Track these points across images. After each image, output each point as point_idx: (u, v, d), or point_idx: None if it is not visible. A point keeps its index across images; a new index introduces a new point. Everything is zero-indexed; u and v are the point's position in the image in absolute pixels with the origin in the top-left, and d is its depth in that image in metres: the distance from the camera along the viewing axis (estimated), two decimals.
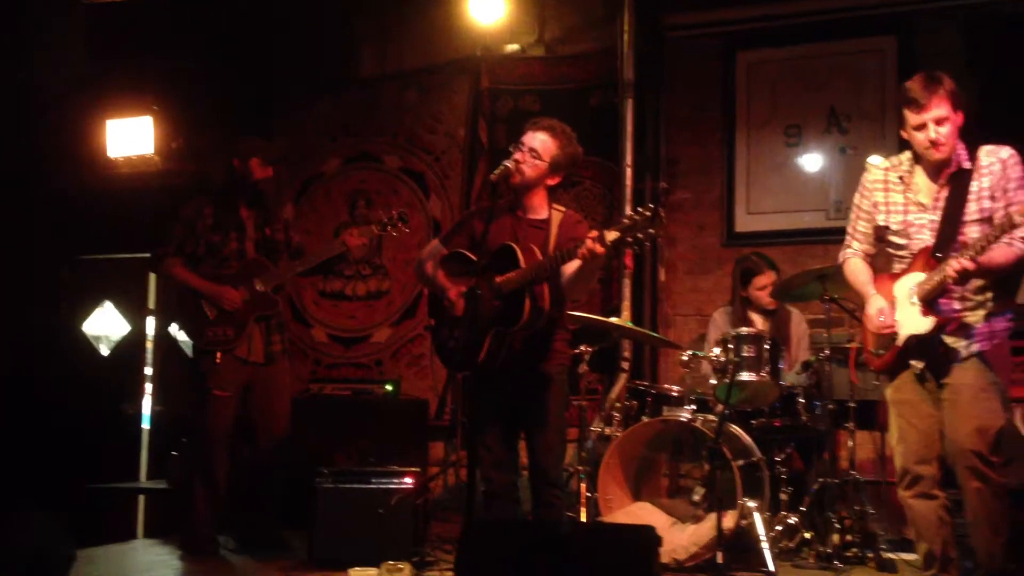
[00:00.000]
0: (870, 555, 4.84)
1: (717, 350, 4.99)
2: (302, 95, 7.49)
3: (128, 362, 7.77)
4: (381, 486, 4.82)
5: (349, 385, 6.40)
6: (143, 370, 7.73)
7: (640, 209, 3.52)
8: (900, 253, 3.85)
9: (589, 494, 5.10)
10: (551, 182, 4.01)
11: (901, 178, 3.84)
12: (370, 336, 7.17)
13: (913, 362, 3.76)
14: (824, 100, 6.49)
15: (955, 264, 3.46)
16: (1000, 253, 3.51)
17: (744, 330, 5.10)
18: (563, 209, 4.07)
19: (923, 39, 6.28)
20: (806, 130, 6.54)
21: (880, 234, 3.91)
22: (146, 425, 7.62)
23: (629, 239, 3.52)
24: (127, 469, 7.46)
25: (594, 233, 3.56)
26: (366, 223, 5.76)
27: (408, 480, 4.83)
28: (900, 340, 3.74)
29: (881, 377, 3.96)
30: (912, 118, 3.70)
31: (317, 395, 6.30)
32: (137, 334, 7.81)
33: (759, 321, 5.57)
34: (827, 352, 5.01)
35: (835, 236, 6.32)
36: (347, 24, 7.38)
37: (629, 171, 6.42)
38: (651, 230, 3.48)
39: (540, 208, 4.02)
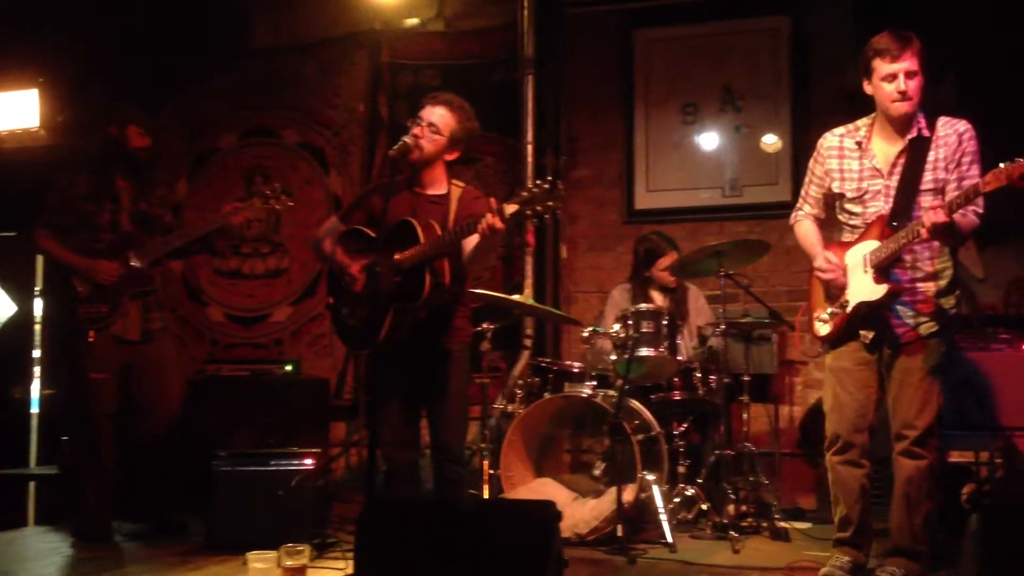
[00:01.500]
0: (764, 524, 4.98)
1: (617, 326, 5.04)
2: (196, 67, 7.26)
3: (16, 344, 7.48)
4: (281, 468, 4.75)
5: (247, 366, 6.29)
6: (31, 353, 7.46)
7: (539, 182, 3.53)
8: (853, 221, 3.85)
9: (492, 471, 5.12)
10: (450, 157, 3.99)
11: (859, 143, 3.83)
12: (269, 315, 7.06)
13: (862, 332, 3.80)
14: (719, 79, 6.59)
15: (932, 216, 3.43)
16: (962, 217, 3.55)
17: (643, 306, 5.16)
18: (462, 184, 4.06)
19: (815, 19, 6.42)
20: (702, 108, 6.63)
21: (832, 201, 3.93)
22: (35, 409, 7.37)
23: (528, 212, 3.52)
24: (17, 455, 7.21)
25: (493, 205, 3.55)
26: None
27: (308, 461, 4.76)
28: (850, 307, 3.76)
29: (824, 344, 3.96)
30: (883, 67, 3.66)
31: (214, 376, 6.17)
32: (25, 315, 7.53)
33: (658, 298, 5.64)
34: (723, 327, 5.10)
35: (731, 213, 6.53)
36: None
37: (530, 148, 6.43)
38: (550, 203, 3.48)
39: (439, 183, 4.00)
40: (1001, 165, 3.31)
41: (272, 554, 3.83)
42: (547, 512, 2.98)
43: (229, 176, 7.22)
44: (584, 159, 6.83)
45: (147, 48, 7.07)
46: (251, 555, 3.86)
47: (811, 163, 4.00)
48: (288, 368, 6.06)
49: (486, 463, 5.14)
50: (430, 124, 3.91)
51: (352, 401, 6.60)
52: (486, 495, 5.08)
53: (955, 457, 5.33)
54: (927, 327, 3.72)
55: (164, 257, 5.12)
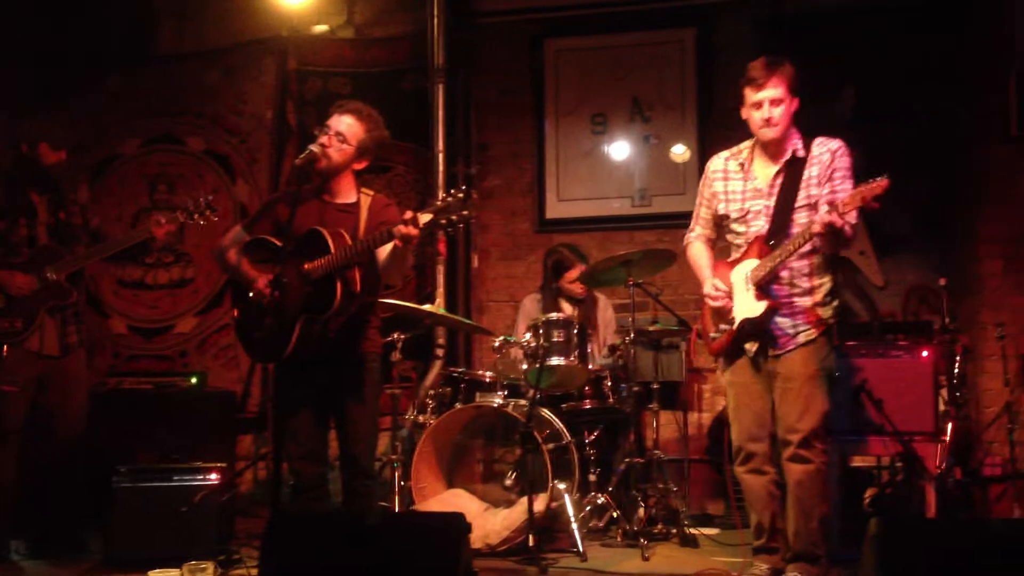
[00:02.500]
0: (674, 531, 5.02)
1: (528, 335, 5.05)
2: (98, 72, 7.07)
3: None
4: (184, 483, 4.65)
5: (151, 378, 6.14)
6: None
7: (453, 191, 3.53)
8: (738, 241, 4.02)
9: (402, 483, 5.08)
10: (358, 166, 3.94)
11: (742, 165, 3.99)
12: (173, 326, 6.90)
13: (747, 346, 3.94)
14: (628, 89, 6.67)
15: (825, 218, 3.58)
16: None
17: (554, 316, 5.18)
18: (372, 193, 4.02)
19: (720, 32, 6.55)
20: (612, 119, 6.70)
21: (721, 222, 4.08)
22: None
23: (443, 221, 3.51)
24: None
25: (408, 215, 3.53)
26: (169, 208, 5.52)
27: (213, 476, 4.67)
28: (735, 324, 3.91)
29: (719, 360, 4.12)
30: (751, 95, 3.85)
31: (116, 389, 6.01)
32: None
33: (567, 307, 5.67)
34: (632, 336, 5.14)
35: (640, 223, 6.59)
36: None
37: (441, 156, 6.41)
38: (464, 212, 3.49)
39: (348, 192, 3.95)
40: (859, 186, 3.54)
41: (175, 571, 3.78)
42: (456, 524, 2.96)
43: (131, 183, 7.03)
44: (495, 168, 6.84)
45: (48, 51, 6.85)
46: (153, 573, 3.79)
47: (700, 186, 4.18)
48: (193, 380, 5.92)
49: (397, 474, 5.11)
50: (337, 133, 3.85)
51: (260, 414, 6.49)
52: (397, 507, 5.04)
53: (857, 462, 5.46)
54: (806, 335, 3.86)
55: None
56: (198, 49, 7.04)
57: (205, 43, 7.04)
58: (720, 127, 6.46)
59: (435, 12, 6.42)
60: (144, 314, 6.92)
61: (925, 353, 4.92)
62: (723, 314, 3.98)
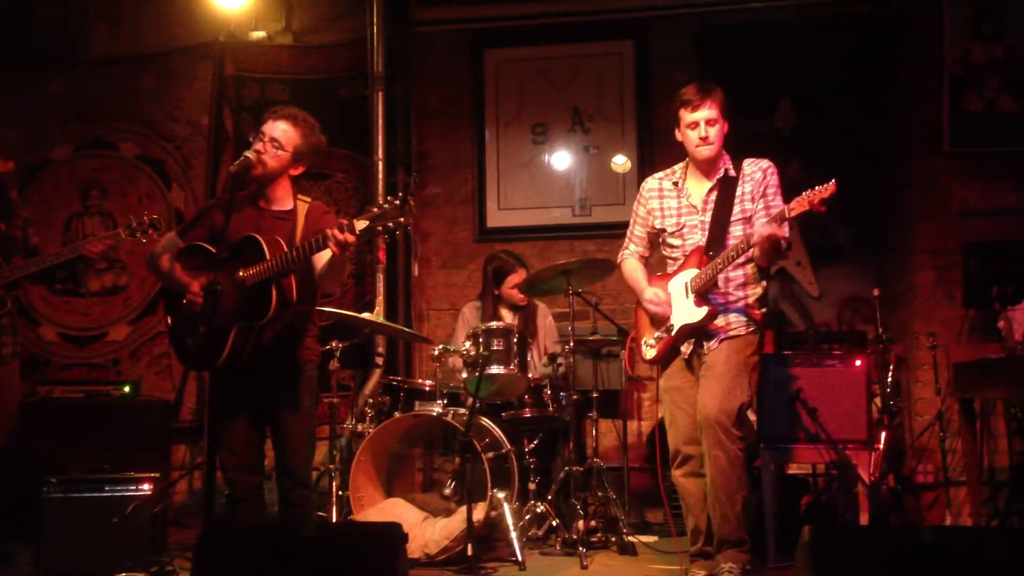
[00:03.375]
0: (613, 539, 5.04)
1: (468, 344, 5.03)
2: (29, 76, 6.91)
3: None
4: (116, 493, 4.60)
5: (82, 387, 6.02)
6: None
7: (390, 199, 3.51)
8: (674, 254, 4.19)
9: (341, 492, 5.03)
10: (295, 172, 3.90)
11: (676, 184, 4.18)
12: (106, 334, 6.76)
13: (682, 348, 4.09)
14: (568, 100, 6.71)
15: (765, 231, 3.74)
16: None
17: (493, 324, 5.18)
18: (309, 200, 3.98)
19: (658, 44, 6.61)
20: (552, 129, 6.73)
21: (656, 238, 4.25)
22: None
23: (379, 228, 3.49)
24: None
25: (343, 222, 3.50)
26: (101, 214, 5.40)
27: (146, 486, 4.62)
28: (675, 330, 4.06)
29: (654, 368, 4.26)
30: (686, 116, 4.03)
31: (46, 398, 5.91)
32: None
33: (508, 315, 5.67)
34: (572, 344, 5.15)
35: (581, 232, 6.62)
36: (78, 1, 6.92)
37: (381, 164, 6.38)
38: (401, 219, 3.47)
39: (284, 199, 3.91)
40: (806, 191, 3.67)
41: None
42: (393, 534, 2.93)
43: (63, 189, 6.88)
44: (436, 177, 6.82)
45: None
46: None
47: (635, 206, 4.33)
48: (126, 389, 5.81)
49: (335, 484, 5.06)
50: (272, 139, 3.81)
51: (196, 423, 6.39)
52: (334, 517, 4.99)
53: (793, 470, 5.53)
54: (735, 330, 4.03)
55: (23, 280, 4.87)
56: (133, 53, 6.92)
57: (140, 47, 6.93)
58: (659, 137, 6.53)
59: (374, 20, 6.39)
60: (76, 322, 6.78)
61: (859, 362, 4.99)
62: (660, 322, 4.11)
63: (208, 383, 5.86)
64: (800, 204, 3.67)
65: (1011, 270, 5.60)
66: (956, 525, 5.27)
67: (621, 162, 6.58)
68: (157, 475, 4.77)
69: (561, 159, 6.72)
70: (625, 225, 6.27)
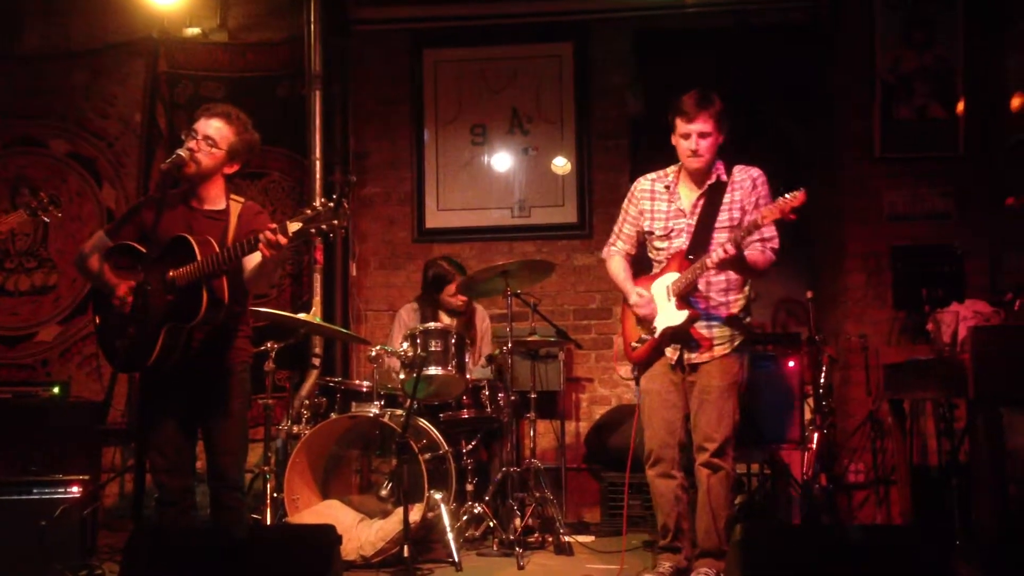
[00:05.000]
0: (550, 539, 5.05)
1: (405, 345, 5.01)
2: None
3: None
4: (44, 496, 4.50)
5: (10, 388, 5.88)
6: None
7: (324, 201, 3.48)
8: (660, 257, 4.26)
9: (276, 494, 4.97)
10: (229, 171, 3.84)
11: (667, 187, 4.24)
12: (35, 334, 6.61)
13: (668, 351, 4.16)
14: (507, 101, 6.71)
15: (720, 252, 3.86)
16: (753, 253, 3.98)
17: (431, 325, 5.17)
18: (242, 200, 3.92)
19: (597, 47, 6.64)
20: (491, 130, 6.73)
21: (644, 239, 4.31)
22: None
23: (313, 230, 3.45)
24: None
25: (274, 225, 3.46)
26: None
27: (74, 489, 4.53)
28: (657, 332, 4.12)
29: (635, 369, 4.34)
30: (681, 127, 4.10)
31: None
32: None
33: (445, 317, 5.66)
34: (510, 345, 5.15)
35: (520, 233, 6.63)
36: None
37: (318, 164, 6.32)
38: (335, 222, 3.44)
39: (217, 199, 3.85)
40: (777, 199, 3.77)
41: None
42: (326, 536, 2.91)
43: None
44: (374, 176, 6.78)
45: None
46: None
47: (625, 204, 4.39)
48: (55, 390, 5.69)
49: (270, 486, 5.00)
50: (206, 137, 3.75)
51: (127, 425, 6.28)
52: (269, 519, 4.93)
53: None
54: (720, 348, 4.12)
55: None
56: (64, 49, 6.77)
57: (72, 44, 6.77)
58: (597, 140, 6.57)
59: (311, 18, 6.32)
60: (4, 321, 6.61)
61: (792, 363, 5.08)
62: (647, 323, 4.17)
63: (138, 385, 5.77)
64: (772, 212, 3.75)
65: (940, 273, 5.72)
66: (886, 523, 5.37)
67: (561, 164, 6.61)
68: (87, 477, 4.67)
69: (500, 160, 6.72)
70: (565, 227, 6.34)
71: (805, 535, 3.25)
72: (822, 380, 5.53)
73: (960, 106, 5.97)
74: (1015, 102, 5.66)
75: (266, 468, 5.04)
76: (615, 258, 4.41)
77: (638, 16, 6.56)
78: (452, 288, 5.60)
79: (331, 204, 3.44)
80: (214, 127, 3.77)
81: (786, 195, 3.72)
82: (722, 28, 6.44)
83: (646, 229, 4.28)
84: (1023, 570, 3.84)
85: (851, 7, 6.18)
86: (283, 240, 3.44)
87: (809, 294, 5.72)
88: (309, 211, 3.47)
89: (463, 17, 6.72)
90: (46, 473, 4.66)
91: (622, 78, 6.57)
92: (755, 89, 6.40)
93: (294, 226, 3.45)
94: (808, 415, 5.39)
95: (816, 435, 5.33)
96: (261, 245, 3.45)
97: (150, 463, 3.73)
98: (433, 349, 5.00)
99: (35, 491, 4.51)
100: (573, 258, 6.59)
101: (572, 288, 6.54)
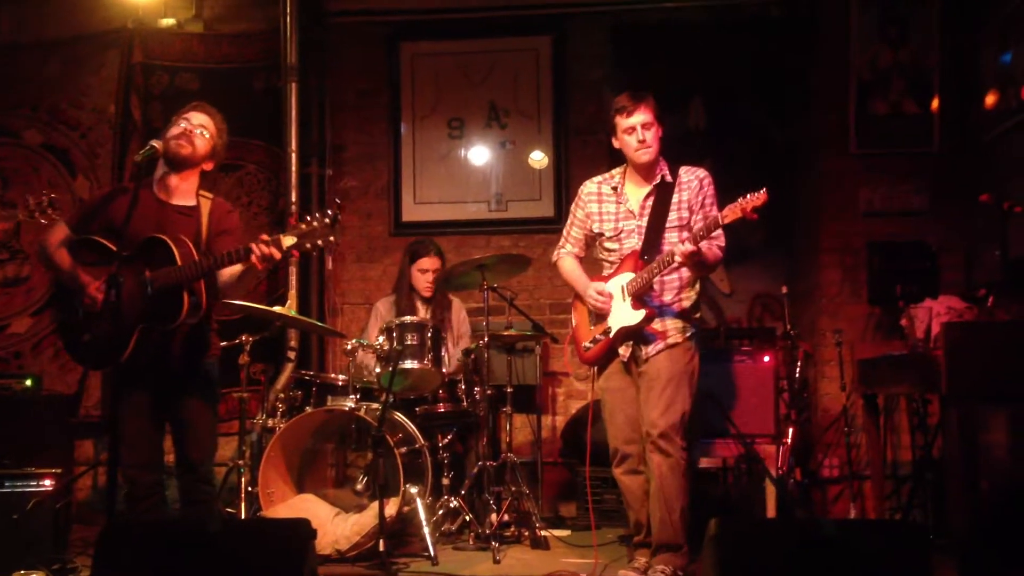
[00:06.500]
0: (526, 533, 5.05)
1: (381, 338, 5.00)
2: None
3: None
4: (16, 489, 4.48)
5: None
6: None
7: (319, 215, 3.46)
8: (611, 258, 4.28)
9: (250, 488, 4.95)
10: (207, 167, 3.86)
11: (615, 189, 4.27)
12: (7, 326, 6.55)
13: (621, 349, 4.17)
14: (484, 95, 6.70)
15: (684, 248, 3.86)
16: (708, 249, 4.02)
17: (408, 319, 5.16)
18: (211, 197, 3.91)
19: (575, 41, 6.64)
20: (468, 123, 6.71)
21: (593, 241, 4.33)
22: None
23: (308, 246, 3.46)
24: None
25: (265, 237, 3.44)
26: (3, 204, 5.21)
27: (47, 482, 4.51)
28: (612, 332, 4.14)
29: (592, 369, 4.33)
30: (622, 123, 4.14)
31: None
32: None
33: (421, 310, 5.64)
34: (486, 339, 5.15)
35: (497, 227, 6.63)
36: None
37: (294, 156, 6.29)
38: (331, 238, 3.44)
39: (188, 194, 3.83)
40: (739, 199, 3.78)
41: None
42: (300, 530, 2.89)
43: None
44: (350, 169, 6.76)
45: None
46: None
47: (573, 207, 4.42)
48: (27, 383, 5.65)
49: (244, 480, 4.98)
50: (200, 125, 3.79)
51: (101, 418, 6.23)
52: (243, 513, 4.91)
53: (705, 464, 5.59)
54: (673, 338, 4.14)
55: None
56: (38, 39, 6.69)
57: (46, 33, 6.70)
58: (575, 134, 6.57)
59: (287, 10, 6.28)
60: None
61: (767, 358, 5.10)
62: (600, 318, 4.19)
63: (110, 379, 5.73)
64: (733, 212, 3.77)
65: (914, 269, 5.75)
66: (860, 518, 5.40)
67: (538, 158, 6.61)
68: (59, 471, 4.64)
69: (478, 154, 6.71)
70: (542, 221, 6.34)
71: (780, 529, 3.26)
72: (797, 375, 5.56)
73: (935, 103, 6.01)
74: (989, 99, 5.70)
75: (241, 462, 5.02)
76: (566, 259, 4.44)
77: (616, 10, 6.57)
78: (424, 263, 5.58)
79: (327, 220, 3.43)
80: (205, 119, 3.81)
81: (748, 195, 3.74)
82: (699, 23, 6.46)
83: (595, 231, 4.30)
84: (995, 565, 3.87)
85: (828, 3, 6.20)
86: (277, 255, 3.43)
87: (784, 289, 5.74)
88: (304, 226, 3.47)
89: (441, 10, 6.70)
90: (18, 466, 4.61)
91: (599, 72, 6.56)
92: (731, 84, 6.42)
93: (288, 240, 3.44)
94: (783, 410, 5.42)
95: (791, 430, 5.35)
96: (254, 257, 3.43)
97: (120, 457, 3.68)
98: (409, 343, 5.00)
99: (7, 484, 4.49)
100: (550, 252, 6.50)
101: (549, 282, 6.53)
